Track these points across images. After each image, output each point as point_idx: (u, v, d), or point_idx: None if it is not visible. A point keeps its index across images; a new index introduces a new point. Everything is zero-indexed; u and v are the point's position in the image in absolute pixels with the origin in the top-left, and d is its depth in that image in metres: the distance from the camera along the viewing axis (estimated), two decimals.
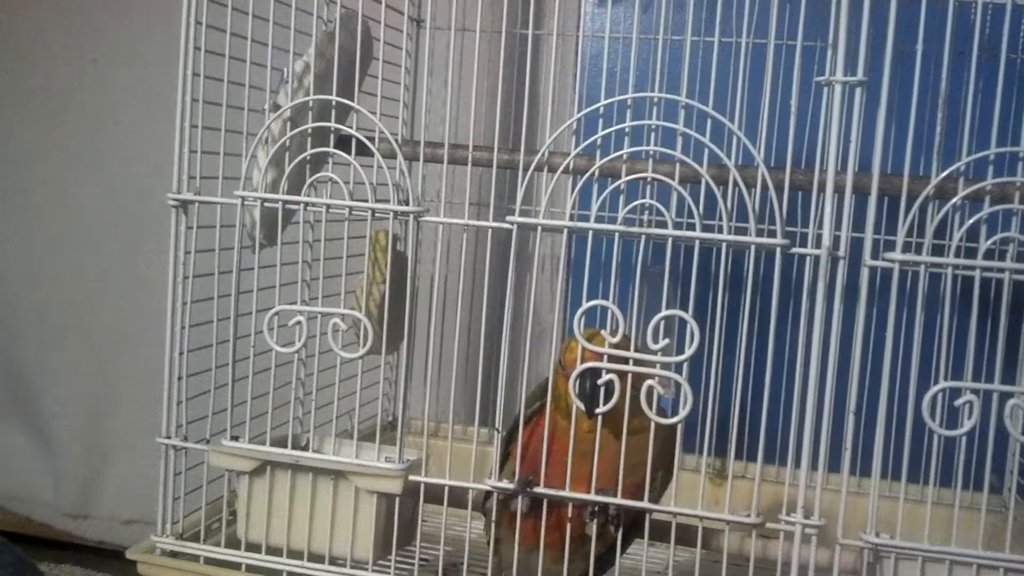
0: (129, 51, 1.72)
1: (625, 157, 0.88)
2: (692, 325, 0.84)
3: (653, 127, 0.88)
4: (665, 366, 0.85)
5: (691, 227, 0.86)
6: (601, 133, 0.88)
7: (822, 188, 0.85)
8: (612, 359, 0.86)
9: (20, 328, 1.83)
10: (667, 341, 0.85)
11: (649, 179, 0.88)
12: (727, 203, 0.85)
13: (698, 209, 0.86)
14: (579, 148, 0.91)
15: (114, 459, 1.80)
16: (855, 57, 0.83)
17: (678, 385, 0.85)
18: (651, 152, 0.88)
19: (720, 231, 0.86)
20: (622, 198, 0.88)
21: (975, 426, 0.82)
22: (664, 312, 0.85)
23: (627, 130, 0.88)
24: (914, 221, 0.84)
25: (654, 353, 0.85)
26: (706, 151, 0.86)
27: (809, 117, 0.97)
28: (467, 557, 0.96)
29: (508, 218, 0.91)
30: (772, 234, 0.85)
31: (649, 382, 0.85)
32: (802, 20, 0.86)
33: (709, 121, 0.86)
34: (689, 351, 0.84)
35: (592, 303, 0.86)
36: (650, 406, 0.85)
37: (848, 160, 0.84)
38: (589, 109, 0.89)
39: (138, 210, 1.67)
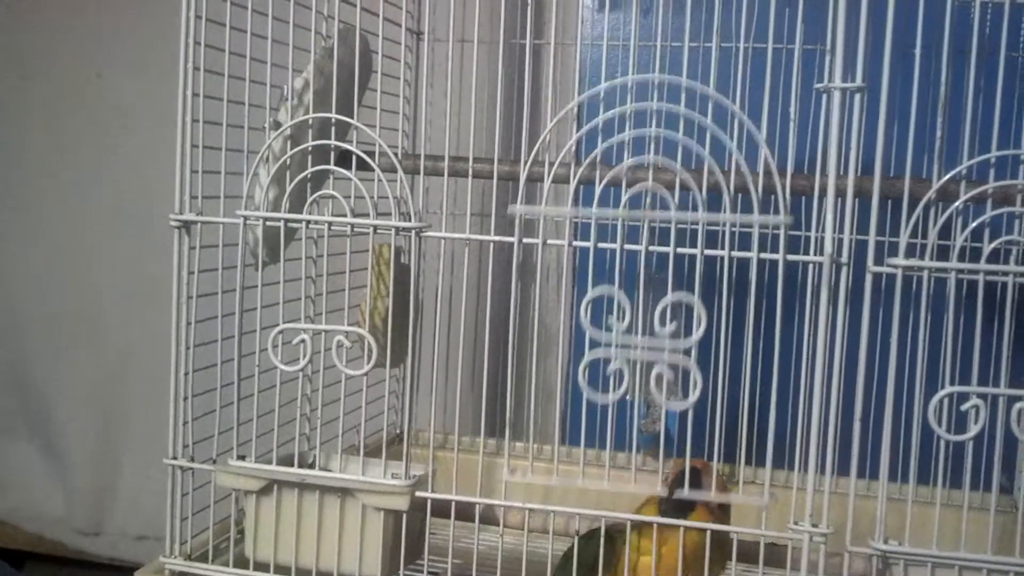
0: (133, 64, 1.73)
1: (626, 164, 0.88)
2: (699, 308, 0.83)
3: (653, 136, 0.87)
4: (673, 350, 0.85)
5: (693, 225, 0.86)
6: (601, 146, 0.88)
7: (823, 194, 0.84)
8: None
9: (29, 344, 1.84)
10: (675, 324, 0.84)
11: (649, 168, 0.88)
12: (729, 189, 0.84)
13: (701, 194, 0.85)
14: (587, 158, 0.90)
15: (125, 475, 1.81)
16: (853, 63, 0.82)
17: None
18: (652, 145, 0.88)
19: (723, 230, 0.86)
20: (624, 186, 0.88)
21: (983, 429, 0.81)
22: (671, 296, 0.84)
23: (627, 125, 0.87)
24: (917, 224, 0.84)
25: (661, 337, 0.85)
26: (707, 150, 0.86)
27: (811, 121, 0.97)
28: (475, 569, 0.96)
29: (510, 208, 0.90)
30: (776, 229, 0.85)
31: (658, 369, 0.85)
32: (800, 24, 0.86)
33: (709, 122, 0.86)
34: (697, 334, 0.84)
35: (598, 291, 0.85)
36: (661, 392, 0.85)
37: (849, 166, 0.84)
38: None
39: (146, 223, 1.68)
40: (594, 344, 0.86)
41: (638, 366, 0.87)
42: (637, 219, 0.87)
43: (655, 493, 0.91)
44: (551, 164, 0.91)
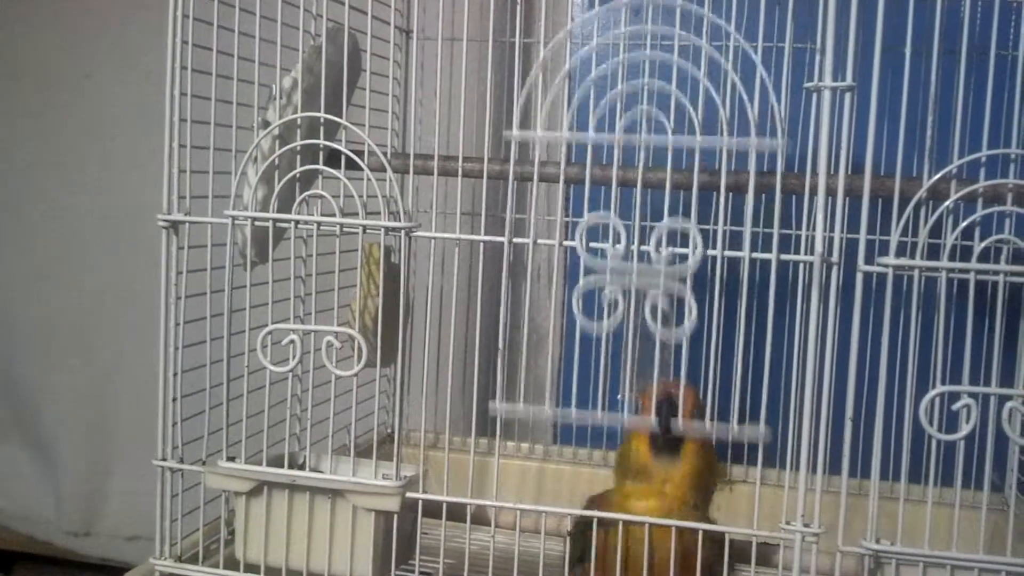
0: (123, 66, 1.72)
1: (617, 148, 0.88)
2: (694, 232, 0.83)
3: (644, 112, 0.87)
4: (670, 276, 0.84)
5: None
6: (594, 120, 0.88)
7: (814, 193, 0.84)
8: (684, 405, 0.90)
9: (19, 346, 1.83)
10: (671, 249, 0.84)
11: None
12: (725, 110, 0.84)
13: (697, 115, 0.85)
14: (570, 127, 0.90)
15: (115, 476, 1.80)
16: (843, 62, 0.82)
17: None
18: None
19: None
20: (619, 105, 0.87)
21: (974, 428, 0.81)
22: (667, 221, 0.84)
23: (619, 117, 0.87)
24: (908, 223, 0.84)
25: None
26: (697, 153, 0.85)
27: (801, 120, 0.97)
28: (467, 569, 0.96)
29: (506, 133, 0.90)
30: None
31: (654, 291, 0.85)
32: (790, 23, 0.86)
33: (699, 126, 0.86)
34: (694, 258, 0.84)
35: (594, 217, 0.85)
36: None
37: (839, 165, 0.84)
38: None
39: (135, 225, 1.67)
40: (588, 271, 0.86)
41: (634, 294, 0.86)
42: (633, 143, 0.86)
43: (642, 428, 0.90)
44: (542, 168, 0.91)
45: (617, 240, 0.85)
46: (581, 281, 0.86)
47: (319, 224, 0.94)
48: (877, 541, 0.84)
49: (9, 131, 1.82)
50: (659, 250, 0.84)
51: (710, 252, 0.85)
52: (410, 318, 1.06)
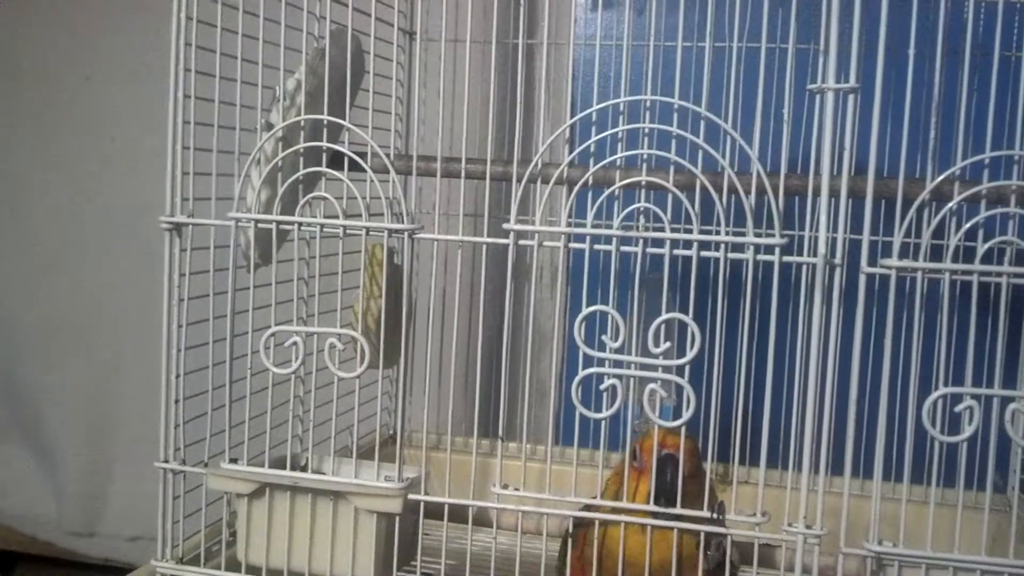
0: (123, 68, 1.72)
1: (620, 164, 0.88)
2: (693, 327, 0.83)
3: (647, 131, 0.87)
4: (667, 370, 0.85)
5: (688, 232, 0.86)
6: (595, 138, 0.88)
7: (817, 194, 0.84)
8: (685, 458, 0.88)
9: (20, 347, 1.83)
10: (668, 344, 0.84)
11: (643, 183, 0.87)
12: (723, 203, 0.84)
13: (694, 209, 0.85)
14: (572, 155, 0.90)
15: (117, 476, 1.80)
16: (847, 63, 0.82)
17: (680, 391, 0.84)
18: (645, 157, 0.88)
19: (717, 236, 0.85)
20: (617, 204, 0.88)
21: (976, 430, 0.81)
22: (664, 316, 0.84)
23: (620, 135, 0.87)
24: (911, 224, 0.84)
25: (656, 357, 0.85)
26: (700, 157, 0.85)
27: (804, 120, 0.97)
28: (468, 570, 0.96)
29: (504, 226, 0.90)
30: (770, 236, 0.85)
31: (652, 386, 0.85)
32: (793, 24, 0.86)
33: (703, 127, 0.86)
34: (691, 354, 0.84)
35: (592, 308, 0.85)
36: (652, 410, 0.85)
37: (843, 166, 0.84)
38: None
39: (136, 226, 1.67)
40: (588, 360, 0.86)
41: (631, 381, 0.87)
42: (631, 237, 0.87)
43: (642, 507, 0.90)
44: (544, 169, 0.91)
45: (616, 333, 0.85)
46: (580, 371, 0.86)
47: (322, 226, 0.94)
48: (879, 543, 0.84)
49: (9, 131, 1.81)
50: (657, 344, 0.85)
51: (713, 254, 0.85)
52: (413, 320, 1.06)
